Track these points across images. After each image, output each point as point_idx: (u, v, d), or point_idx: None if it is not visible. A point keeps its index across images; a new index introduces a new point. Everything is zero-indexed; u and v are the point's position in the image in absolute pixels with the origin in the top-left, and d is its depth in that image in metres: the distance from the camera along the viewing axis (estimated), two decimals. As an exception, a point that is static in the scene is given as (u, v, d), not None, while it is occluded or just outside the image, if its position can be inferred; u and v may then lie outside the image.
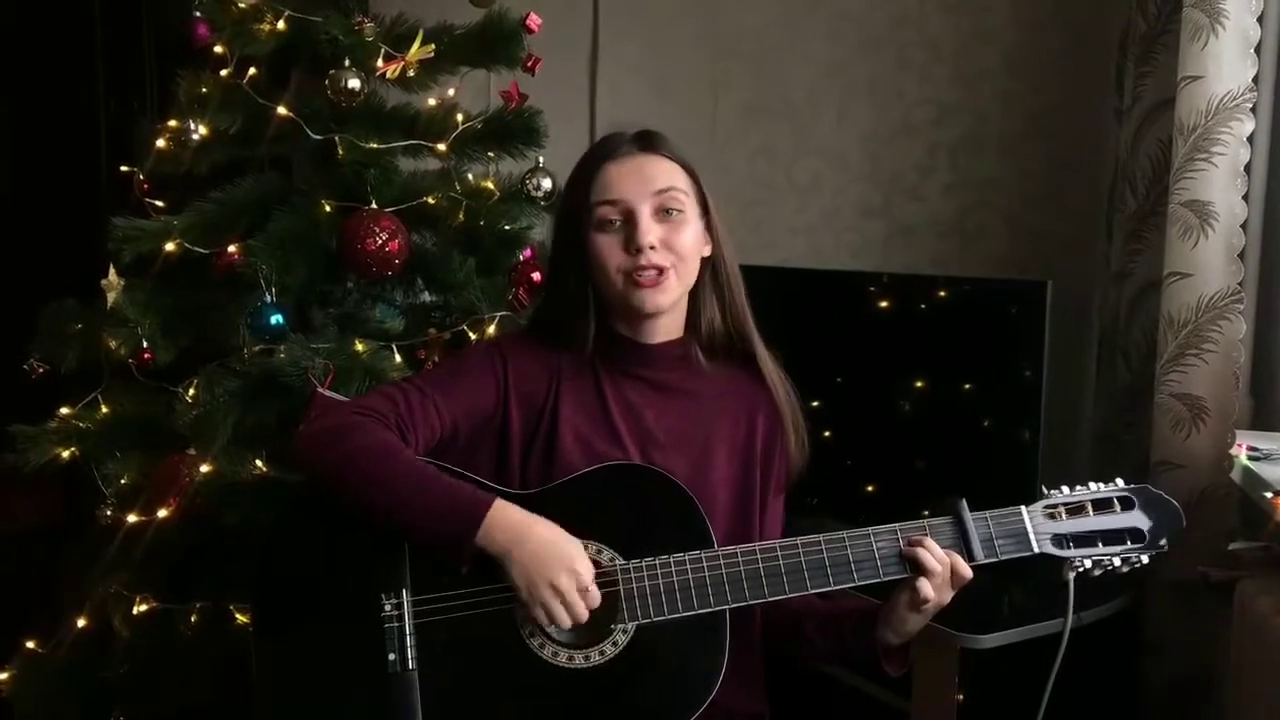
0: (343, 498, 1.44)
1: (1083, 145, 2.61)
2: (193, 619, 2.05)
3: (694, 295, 1.61)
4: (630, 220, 1.53)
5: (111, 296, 2.09)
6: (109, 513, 2.10)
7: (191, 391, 2.05)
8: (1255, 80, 1.96)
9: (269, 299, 2.02)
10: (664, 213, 1.54)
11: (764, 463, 1.63)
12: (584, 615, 1.40)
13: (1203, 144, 1.97)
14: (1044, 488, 1.52)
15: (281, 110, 2.10)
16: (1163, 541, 1.50)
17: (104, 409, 2.16)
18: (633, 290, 1.53)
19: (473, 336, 2.14)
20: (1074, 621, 1.52)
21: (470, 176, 2.27)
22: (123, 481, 2.11)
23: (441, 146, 2.17)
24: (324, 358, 1.96)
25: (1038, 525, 1.48)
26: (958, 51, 2.75)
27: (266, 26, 2.09)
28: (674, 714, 1.41)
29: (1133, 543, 1.49)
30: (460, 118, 2.20)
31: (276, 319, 2.01)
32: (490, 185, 2.25)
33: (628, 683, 1.42)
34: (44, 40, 3.73)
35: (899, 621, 1.49)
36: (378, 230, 2.04)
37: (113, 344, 2.06)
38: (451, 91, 2.27)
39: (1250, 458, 2.01)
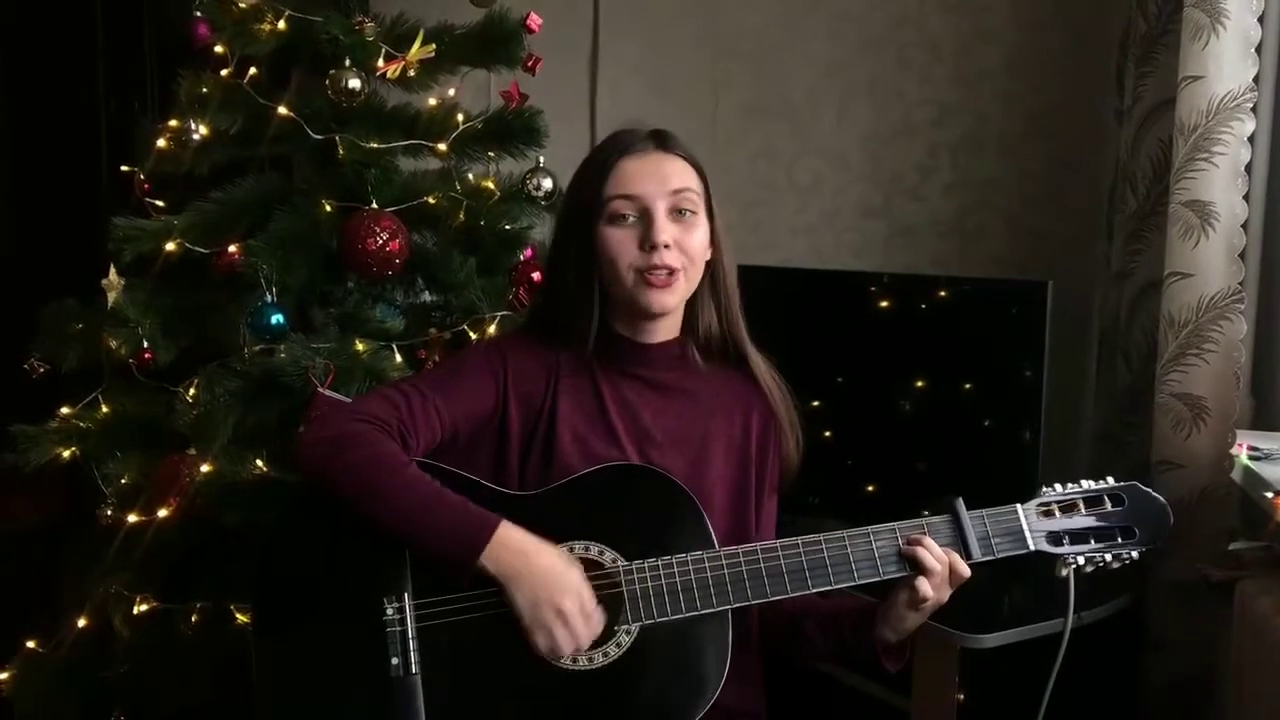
0: (346, 507, 1.44)
1: (1083, 145, 2.61)
2: (193, 619, 2.05)
3: (692, 299, 1.61)
4: (646, 217, 1.52)
5: (112, 296, 2.08)
6: (109, 512, 2.09)
7: (192, 391, 2.04)
8: (1256, 80, 1.96)
9: (269, 299, 2.02)
10: (678, 213, 1.54)
11: (759, 461, 1.63)
12: (586, 643, 1.40)
13: (1203, 144, 1.97)
14: (1041, 487, 1.52)
15: (282, 110, 2.10)
16: (1152, 538, 1.50)
17: (104, 409, 2.16)
18: (643, 289, 1.52)
19: (473, 336, 2.14)
20: (1074, 621, 1.53)
21: (471, 176, 2.27)
22: (123, 481, 2.11)
23: (442, 146, 2.17)
24: (324, 358, 1.96)
25: (1033, 523, 1.49)
26: (958, 51, 2.75)
27: (267, 26, 2.09)
28: (677, 714, 1.41)
29: (1123, 539, 1.51)
30: (461, 118, 2.19)
31: (277, 319, 2.01)
32: (491, 185, 2.25)
33: (631, 684, 1.42)
34: (45, 40, 3.73)
35: (898, 620, 1.50)
36: (378, 230, 2.04)
37: (113, 344, 2.06)
38: (452, 91, 2.27)
39: (1251, 457, 2.01)
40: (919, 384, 2.40)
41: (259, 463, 1.99)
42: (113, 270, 2.09)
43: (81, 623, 2.13)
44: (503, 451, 1.56)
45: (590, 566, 1.44)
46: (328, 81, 2.07)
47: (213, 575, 2.04)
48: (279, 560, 1.50)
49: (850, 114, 2.87)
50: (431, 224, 2.22)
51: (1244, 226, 1.99)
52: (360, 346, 2.04)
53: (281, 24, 2.09)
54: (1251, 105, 1.96)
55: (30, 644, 2.23)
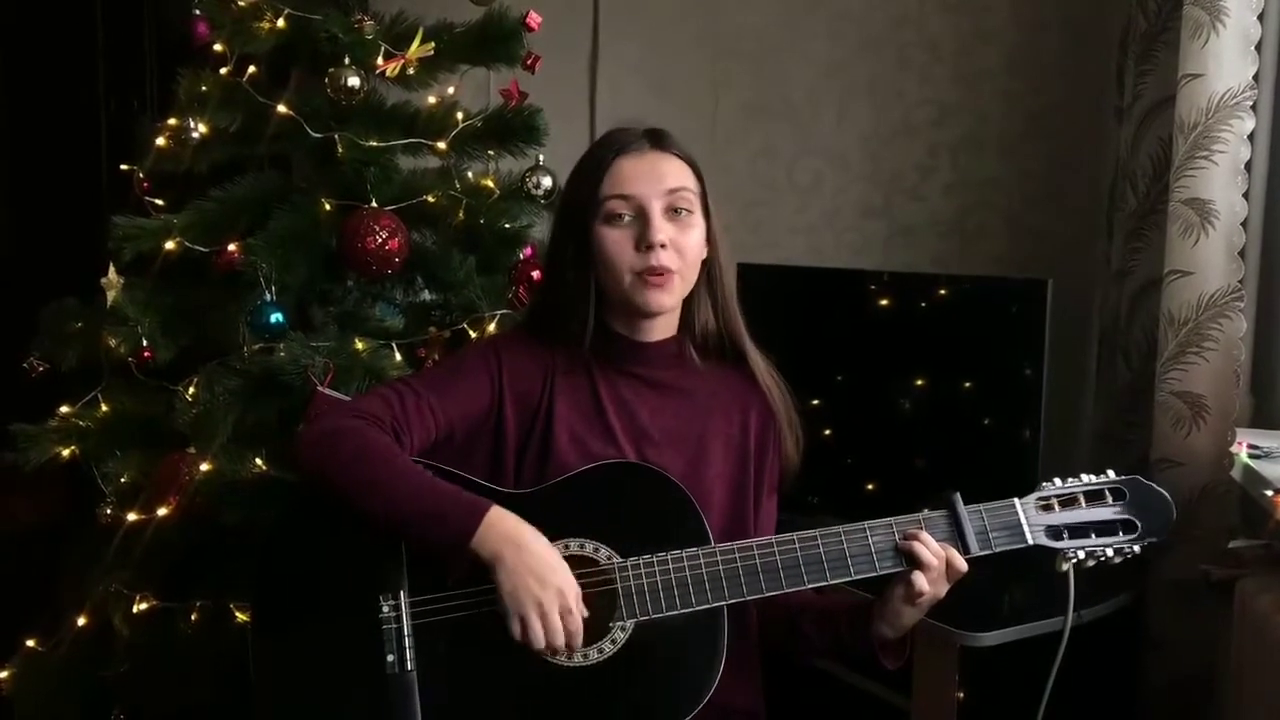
0: (341, 501, 1.44)
1: (1083, 144, 2.61)
2: (193, 618, 2.05)
3: (689, 297, 1.61)
4: (642, 217, 1.52)
5: (111, 295, 2.09)
6: (109, 511, 2.10)
7: (191, 390, 2.05)
8: (1255, 78, 1.96)
9: (269, 297, 2.02)
10: (674, 212, 1.54)
11: (758, 460, 1.63)
12: (559, 640, 1.39)
13: (1203, 142, 1.97)
14: (1041, 484, 1.52)
15: (281, 108, 2.10)
16: (1155, 532, 1.50)
17: (104, 407, 2.16)
18: (640, 289, 1.52)
19: (473, 335, 2.14)
20: (1074, 620, 1.52)
21: (470, 175, 2.27)
22: (123, 480, 2.12)
23: (441, 145, 2.17)
24: (324, 356, 1.96)
25: (1031, 517, 1.48)
26: (958, 51, 2.75)
27: (266, 25, 2.09)
28: (673, 711, 1.41)
29: (1125, 534, 1.50)
30: (460, 116, 2.20)
31: (276, 317, 2.01)
32: (490, 183, 2.25)
33: (626, 680, 1.42)
34: (45, 39, 3.73)
35: (894, 615, 1.49)
36: (378, 228, 2.04)
37: (113, 342, 2.06)
38: (451, 90, 2.28)
39: (1251, 456, 2.01)
40: (919, 383, 2.40)
41: (258, 461, 2.00)
42: (112, 269, 2.10)
43: (81, 621, 2.13)
44: (499, 451, 1.56)
45: (585, 563, 1.44)
46: (327, 80, 2.07)
47: (212, 574, 2.04)
48: (278, 558, 1.50)
49: (850, 114, 2.88)
50: (431, 222, 2.23)
51: (1244, 224, 1.99)
52: (360, 345, 2.04)
53: (281, 22, 2.10)
54: (1251, 103, 1.96)
55: (30, 643, 2.23)
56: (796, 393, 1.67)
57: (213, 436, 1.98)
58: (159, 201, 2.18)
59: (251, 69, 2.14)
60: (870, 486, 2.45)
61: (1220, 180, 1.97)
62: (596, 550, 1.45)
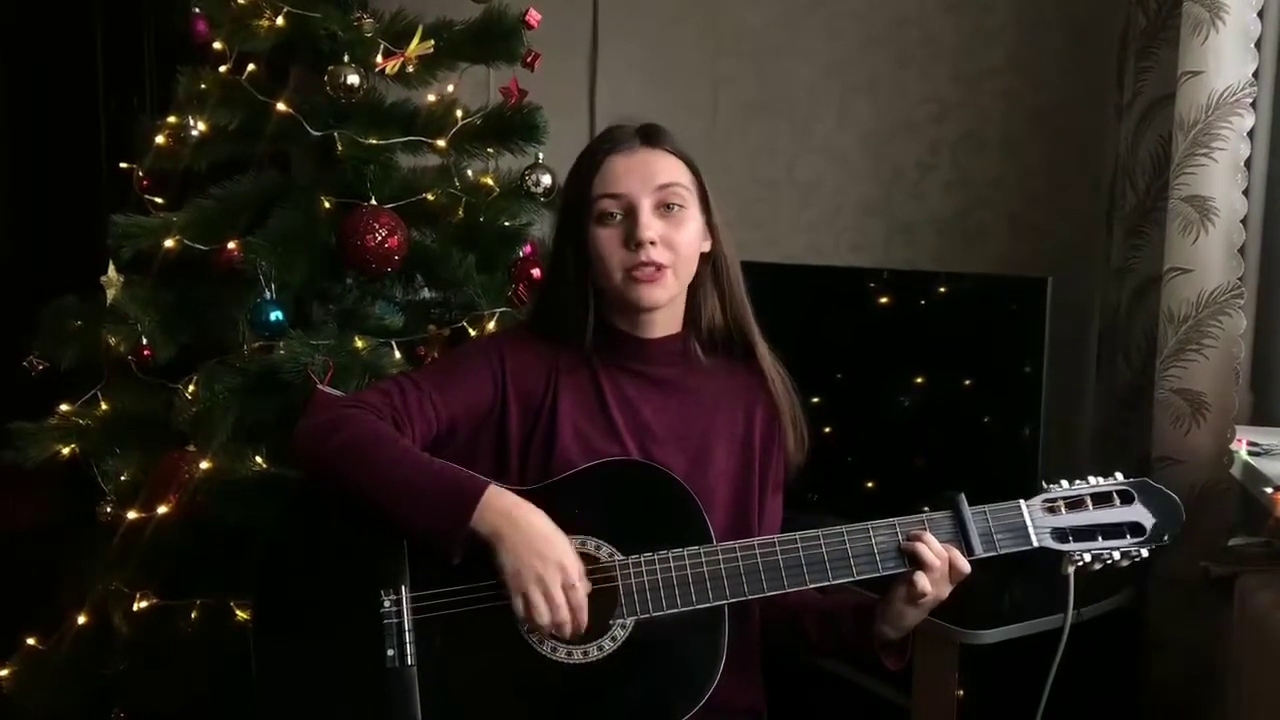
0: (338, 487, 1.44)
1: (1084, 142, 2.61)
2: (193, 616, 2.05)
3: (694, 291, 1.61)
4: (631, 215, 1.52)
5: (111, 293, 2.09)
6: (109, 509, 2.10)
7: (191, 388, 2.04)
8: (1255, 75, 1.96)
9: (268, 295, 2.02)
10: (665, 208, 1.54)
11: (762, 458, 1.63)
12: (564, 615, 1.39)
13: (1203, 139, 1.97)
14: (1043, 482, 1.51)
15: (281, 106, 2.10)
16: (1163, 536, 1.49)
17: (104, 406, 2.16)
18: (631, 286, 1.52)
19: (472, 333, 2.14)
20: (1075, 617, 1.52)
21: (470, 173, 2.27)
22: (123, 478, 2.12)
23: (441, 143, 2.17)
24: (324, 354, 1.96)
25: (1037, 519, 1.48)
26: (958, 49, 2.75)
27: (265, 23, 2.09)
28: (673, 709, 1.41)
29: (1132, 537, 1.49)
30: (460, 114, 2.19)
31: (276, 315, 2.01)
32: (490, 181, 2.25)
33: (626, 678, 1.42)
34: (44, 38, 3.73)
35: (897, 616, 1.49)
36: (377, 226, 2.04)
37: (112, 341, 2.06)
38: (451, 87, 2.27)
39: (1250, 453, 2.01)
40: (919, 380, 2.40)
41: (258, 459, 2.00)
42: (112, 267, 2.09)
43: (82, 620, 2.13)
44: (503, 448, 1.56)
45: (587, 560, 1.44)
46: (326, 78, 2.07)
47: (212, 572, 2.04)
48: (279, 556, 1.51)
49: (851, 112, 2.87)
50: (430, 220, 2.22)
51: (1243, 222, 1.99)
52: (359, 343, 2.04)
53: (280, 20, 2.09)
54: (1251, 100, 1.96)
55: (30, 641, 2.23)
56: (798, 389, 1.67)
57: (213, 434, 1.98)
58: (159, 200, 2.18)
59: (251, 67, 2.14)
60: (870, 484, 2.46)
61: (1220, 177, 1.97)
62: (599, 548, 1.45)
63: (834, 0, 2.86)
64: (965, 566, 1.46)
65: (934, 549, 1.44)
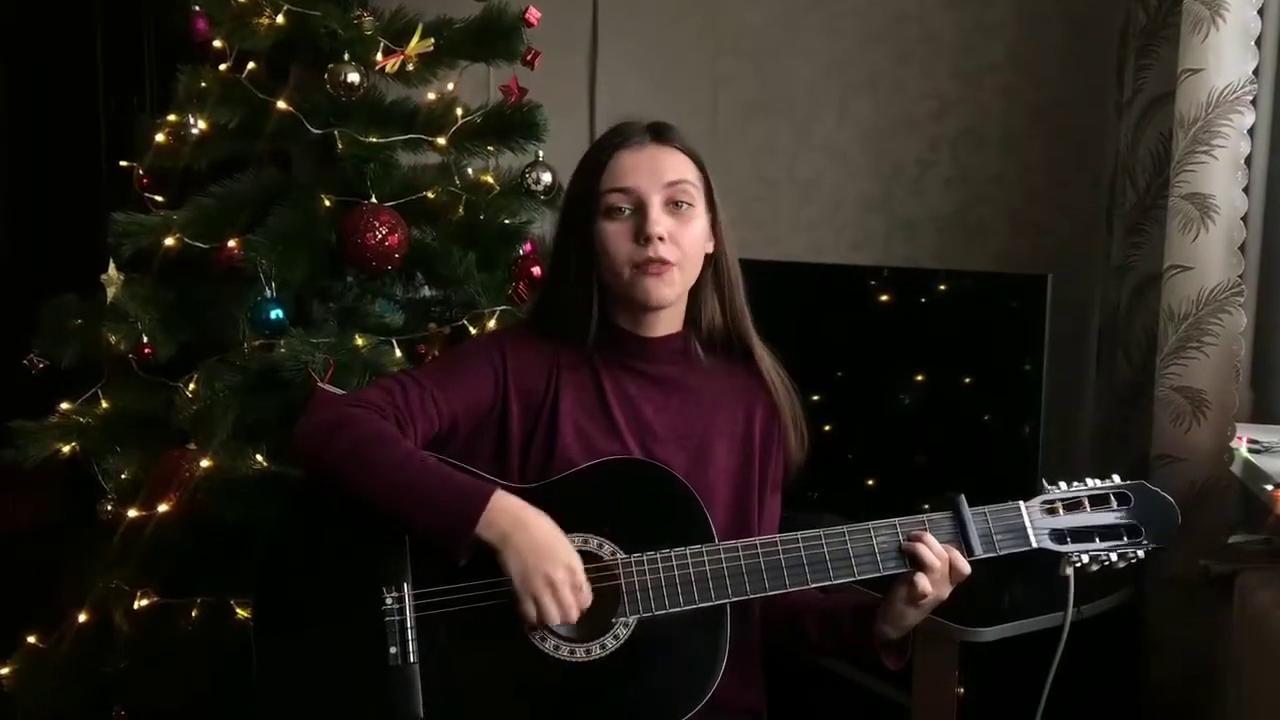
0: (341, 489, 1.44)
1: (1084, 139, 2.61)
2: (194, 614, 2.05)
3: (695, 292, 1.61)
4: (640, 210, 1.52)
5: (111, 292, 2.09)
6: (109, 508, 2.09)
7: (192, 386, 2.04)
8: (1255, 73, 1.96)
9: (269, 294, 2.01)
10: (674, 205, 1.54)
11: (762, 457, 1.63)
12: (574, 614, 1.40)
13: (1203, 137, 1.97)
14: (1043, 482, 1.52)
15: (281, 105, 2.10)
16: (1159, 539, 1.50)
17: (104, 404, 2.16)
18: (639, 281, 1.52)
19: (473, 331, 2.14)
20: (1074, 615, 1.53)
21: (470, 171, 2.27)
22: (123, 477, 2.11)
23: (441, 141, 2.17)
24: (324, 353, 1.96)
25: (1036, 520, 1.48)
26: (958, 46, 2.75)
27: (265, 21, 2.09)
28: (674, 708, 1.41)
29: (1129, 539, 1.50)
30: (460, 112, 2.19)
31: (276, 314, 2.01)
32: (490, 179, 2.25)
33: (628, 677, 1.42)
34: (44, 37, 3.73)
35: (897, 616, 1.49)
36: (377, 225, 2.04)
37: (113, 339, 2.06)
38: (451, 85, 2.27)
39: (1250, 450, 2.01)
40: (919, 378, 2.40)
41: (259, 458, 1.99)
42: (112, 265, 2.09)
43: (82, 618, 2.13)
44: (504, 446, 1.56)
45: (589, 559, 1.44)
46: (326, 76, 2.07)
47: (213, 570, 2.04)
48: (280, 554, 1.50)
49: (851, 109, 2.87)
50: (431, 219, 2.22)
51: (1244, 219, 1.99)
52: (360, 341, 2.04)
53: (280, 18, 2.09)
54: (1251, 98, 1.96)
55: (31, 639, 2.23)
56: (797, 388, 1.67)
57: (213, 433, 1.97)
58: (159, 198, 2.18)
59: (251, 65, 2.13)
60: (870, 482, 2.46)
61: (1220, 175, 1.97)
62: (600, 546, 1.45)
63: (834, -2, 2.87)
64: (965, 567, 1.46)
65: (935, 549, 1.45)
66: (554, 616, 1.39)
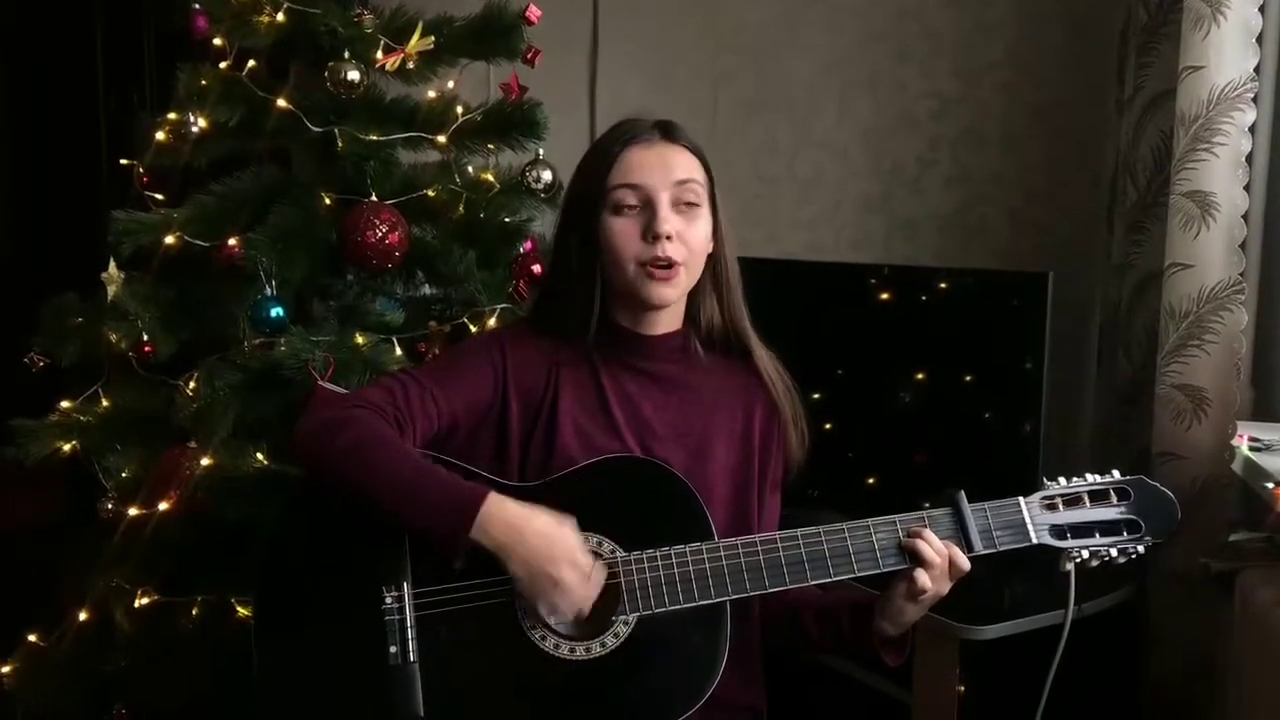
0: (340, 488, 1.44)
1: (1084, 138, 2.61)
2: (194, 612, 2.05)
3: (693, 292, 1.60)
4: (649, 207, 1.52)
5: (112, 290, 2.09)
6: (110, 506, 2.09)
7: (192, 385, 2.04)
8: (1256, 70, 1.96)
9: (269, 292, 2.01)
10: (682, 205, 1.53)
11: (761, 456, 1.62)
12: (588, 607, 1.40)
13: (1204, 134, 1.97)
14: (1043, 479, 1.52)
15: (281, 103, 2.10)
16: (1159, 533, 1.50)
17: (104, 402, 2.16)
18: (644, 281, 1.52)
19: (473, 329, 2.13)
20: (1075, 613, 1.53)
21: (470, 169, 2.26)
22: (124, 475, 2.11)
23: (441, 139, 2.17)
24: (324, 351, 1.96)
25: (1035, 516, 1.48)
26: (959, 44, 2.75)
27: (265, 19, 2.09)
28: (674, 706, 1.41)
29: (1129, 534, 1.50)
30: (460, 110, 2.19)
31: (277, 312, 2.01)
32: (490, 178, 2.24)
33: (628, 675, 1.42)
34: (44, 35, 3.73)
35: (896, 612, 1.49)
36: (378, 223, 2.04)
37: (113, 337, 2.06)
38: (451, 84, 2.27)
39: (1251, 448, 2.01)
40: (919, 376, 2.40)
41: (259, 456, 1.99)
42: (112, 264, 2.09)
43: (83, 616, 2.13)
44: (503, 444, 1.56)
45: (588, 557, 1.44)
46: (327, 74, 2.07)
47: (213, 569, 2.04)
48: (280, 553, 1.50)
49: (851, 107, 2.87)
50: (431, 217, 2.22)
51: (1244, 217, 1.99)
52: (360, 339, 2.04)
53: (280, 16, 2.09)
54: (1252, 95, 1.96)
55: (32, 638, 2.23)
56: (797, 387, 1.67)
57: (213, 431, 1.97)
58: (159, 196, 2.17)
59: (251, 63, 2.13)
60: (871, 480, 2.46)
61: (1221, 173, 1.97)
62: (600, 544, 1.45)
63: (834, -5, 2.86)
64: (965, 563, 1.46)
65: (934, 546, 1.45)
66: (571, 612, 1.40)
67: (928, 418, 2.39)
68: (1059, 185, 2.68)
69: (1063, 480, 1.51)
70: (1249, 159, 1.99)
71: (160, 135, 2.15)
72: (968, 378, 2.34)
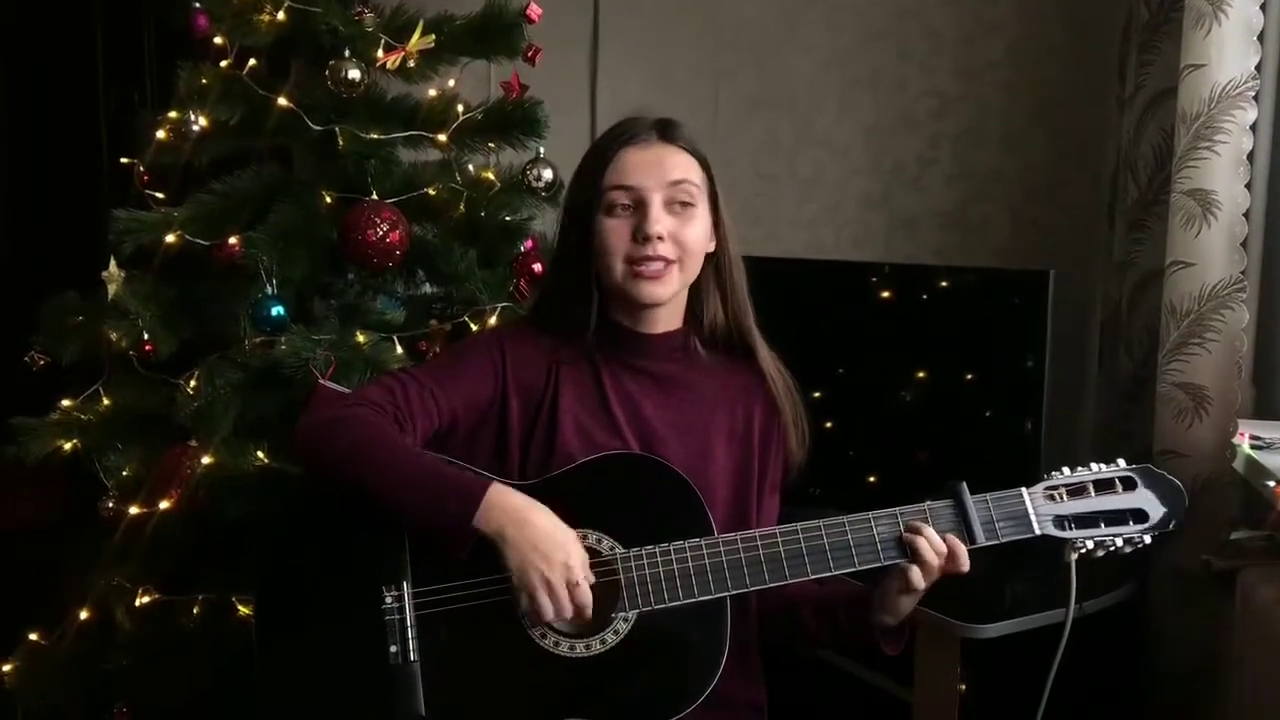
0: (341, 485, 1.44)
1: (1085, 135, 2.61)
2: (195, 611, 2.05)
3: (696, 290, 1.61)
4: (641, 208, 1.52)
5: (112, 289, 2.08)
6: (111, 505, 2.09)
7: (193, 383, 2.04)
8: (1258, 68, 1.96)
9: (270, 290, 2.01)
10: (675, 205, 1.53)
11: (761, 456, 1.63)
12: (568, 612, 1.40)
13: (1205, 132, 1.97)
14: (1046, 473, 1.51)
15: (282, 101, 2.09)
16: (1169, 522, 1.49)
17: (105, 401, 2.16)
18: (631, 280, 1.52)
19: (474, 328, 2.13)
20: (1076, 611, 1.52)
21: (471, 167, 2.26)
22: (124, 474, 2.11)
23: (442, 137, 2.17)
24: (325, 349, 1.96)
25: (1039, 507, 1.48)
26: (960, 42, 2.75)
27: (266, 17, 2.09)
28: (675, 703, 1.41)
29: (1135, 523, 1.49)
30: (460, 108, 2.19)
31: (277, 310, 2.01)
32: (491, 176, 2.24)
33: (629, 671, 1.42)
34: (45, 34, 3.73)
35: (894, 604, 1.49)
36: (378, 221, 2.04)
37: (114, 336, 2.06)
38: (452, 82, 2.27)
39: (1253, 446, 2.01)
40: (920, 374, 2.40)
41: (260, 455, 1.99)
42: (113, 262, 2.09)
43: (84, 615, 2.13)
44: (504, 442, 1.56)
45: (589, 554, 1.43)
46: (327, 72, 2.06)
47: (214, 567, 2.04)
48: (281, 552, 1.51)
49: (852, 105, 2.87)
50: (432, 215, 2.22)
51: (1245, 215, 1.99)
52: (361, 338, 2.04)
53: (281, 15, 2.09)
54: (1253, 93, 1.96)
55: (33, 636, 2.23)
56: (798, 385, 1.67)
57: (214, 430, 1.97)
58: (159, 195, 2.17)
59: (252, 62, 2.13)
60: (872, 479, 2.45)
61: (1222, 171, 1.97)
62: (600, 541, 1.45)
63: (834, -6, 2.86)
64: (965, 557, 1.45)
65: (933, 542, 1.45)
66: (546, 613, 1.39)
67: (928, 416, 2.38)
68: (1060, 183, 2.68)
69: (1067, 470, 1.50)
70: (1250, 157, 1.99)
71: (161, 134, 2.15)
72: (969, 376, 2.34)
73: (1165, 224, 2.05)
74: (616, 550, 1.45)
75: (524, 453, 1.55)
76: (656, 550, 1.44)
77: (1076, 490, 1.49)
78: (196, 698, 2.03)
